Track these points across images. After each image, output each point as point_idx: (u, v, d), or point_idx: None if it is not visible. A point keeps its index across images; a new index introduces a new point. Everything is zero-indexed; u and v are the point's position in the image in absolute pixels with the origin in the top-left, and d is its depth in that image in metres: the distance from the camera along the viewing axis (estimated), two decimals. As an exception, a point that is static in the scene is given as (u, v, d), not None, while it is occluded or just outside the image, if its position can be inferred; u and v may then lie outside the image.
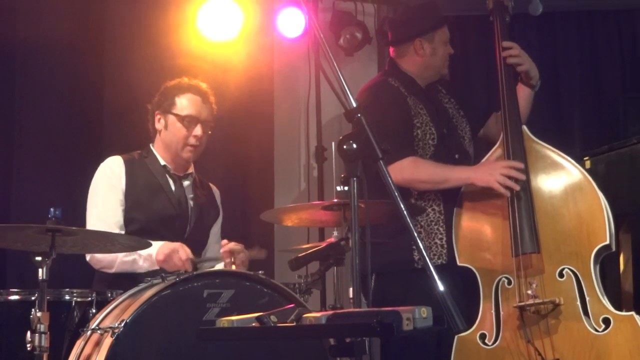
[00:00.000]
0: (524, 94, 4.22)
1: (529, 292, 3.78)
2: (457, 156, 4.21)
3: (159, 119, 4.16)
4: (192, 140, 4.10)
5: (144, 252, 3.88)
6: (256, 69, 5.21)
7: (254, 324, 2.54)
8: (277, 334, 2.59)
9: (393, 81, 4.24)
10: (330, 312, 2.51)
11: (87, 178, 4.16)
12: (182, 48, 4.97)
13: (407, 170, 3.95)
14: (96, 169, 4.16)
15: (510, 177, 3.87)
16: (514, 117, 4.01)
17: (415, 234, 2.66)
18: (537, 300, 3.75)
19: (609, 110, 5.62)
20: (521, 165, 3.88)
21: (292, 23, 5.33)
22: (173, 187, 4.14)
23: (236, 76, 5.06)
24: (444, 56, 4.29)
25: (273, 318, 2.57)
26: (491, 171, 3.92)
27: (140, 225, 4.02)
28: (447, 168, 4.06)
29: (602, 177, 3.97)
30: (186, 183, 4.20)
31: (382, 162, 2.70)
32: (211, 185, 4.38)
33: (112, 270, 3.98)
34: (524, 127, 4.01)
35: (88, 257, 4.01)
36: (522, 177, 3.87)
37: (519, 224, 3.84)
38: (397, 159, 3.95)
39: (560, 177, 3.91)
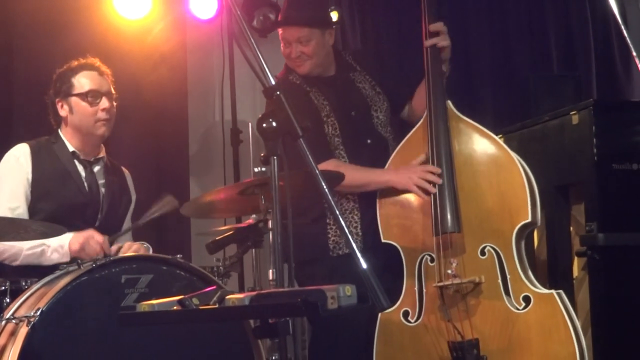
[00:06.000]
0: None
1: (449, 271, 3.76)
2: (369, 141, 4.15)
3: (62, 106, 4.03)
4: (101, 115, 3.98)
5: (53, 244, 3.75)
6: (169, 49, 5.12)
7: (175, 307, 2.48)
8: (200, 317, 2.52)
9: (294, 78, 4.17)
10: (254, 293, 2.46)
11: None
12: (95, 26, 4.85)
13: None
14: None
15: (428, 180, 3.86)
16: (438, 93, 3.95)
17: (338, 212, 2.64)
18: (456, 280, 3.74)
19: (520, 88, 5.68)
20: (439, 170, 3.85)
21: (204, 4, 5.26)
22: (83, 174, 4.00)
23: (150, 57, 4.96)
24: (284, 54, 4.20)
25: (195, 301, 2.50)
26: (410, 174, 3.90)
27: (49, 214, 3.86)
28: (367, 172, 4.03)
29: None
30: (97, 168, 4.07)
31: (302, 140, 2.65)
32: (123, 168, 4.25)
33: (17, 263, 3.84)
34: (449, 103, 3.95)
35: None
36: (439, 181, 3.84)
37: (439, 204, 3.81)
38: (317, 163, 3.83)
39: (483, 155, 3.87)
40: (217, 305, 2.44)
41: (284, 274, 2.76)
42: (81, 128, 4.01)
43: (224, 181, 5.13)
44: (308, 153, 2.65)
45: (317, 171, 2.64)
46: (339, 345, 3.98)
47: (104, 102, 3.99)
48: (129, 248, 3.83)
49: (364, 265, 2.53)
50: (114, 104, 4.05)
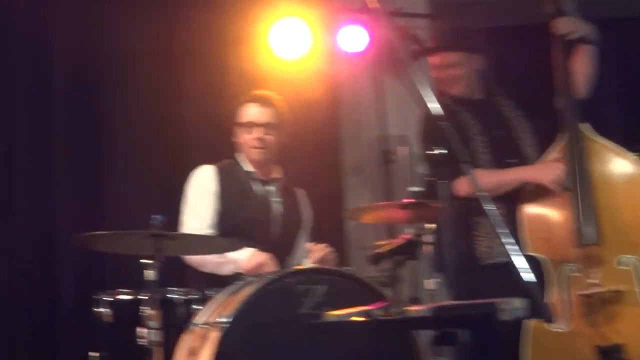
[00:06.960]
0: (586, 55, 4.01)
1: (591, 280, 3.68)
2: (514, 160, 4.06)
3: (234, 133, 4.13)
4: (253, 142, 4.04)
5: (232, 256, 3.80)
6: (322, 83, 5.13)
7: (362, 318, 2.46)
8: (386, 326, 2.50)
9: (444, 100, 4.10)
10: (434, 305, 2.43)
11: (176, 186, 4.10)
12: (256, 64, 4.91)
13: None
14: (183, 177, 4.10)
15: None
16: (573, 117, 3.86)
17: (497, 230, 2.57)
18: (598, 289, 3.65)
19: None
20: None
21: (353, 39, 5.24)
22: (258, 192, 4.06)
23: (305, 91, 4.97)
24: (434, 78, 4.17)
25: (377, 312, 2.49)
26: (545, 170, 3.86)
27: (231, 228, 3.91)
28: (502, 173, 3.96)
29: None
30: (271, 188, 4.11)
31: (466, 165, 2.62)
32: (297, 189, 4.27)
33: (202, 269, 3.91)
34: (584, 126, 3.86)
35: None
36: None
37: (581, 218, 3.73)
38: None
39: (618, 173, 3.79)
40: (401, 316, 2.41)
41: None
42: (244, 152, 4.09)
43: (376, 196, 5.13)
44: (473, 176, 2.61)
45: (481, 193, 2.59)
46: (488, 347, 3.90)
47: (257, 132, 4.03)
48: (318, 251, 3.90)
49: (529, 278, 2.44)
50: (276, 132, 4.07)
